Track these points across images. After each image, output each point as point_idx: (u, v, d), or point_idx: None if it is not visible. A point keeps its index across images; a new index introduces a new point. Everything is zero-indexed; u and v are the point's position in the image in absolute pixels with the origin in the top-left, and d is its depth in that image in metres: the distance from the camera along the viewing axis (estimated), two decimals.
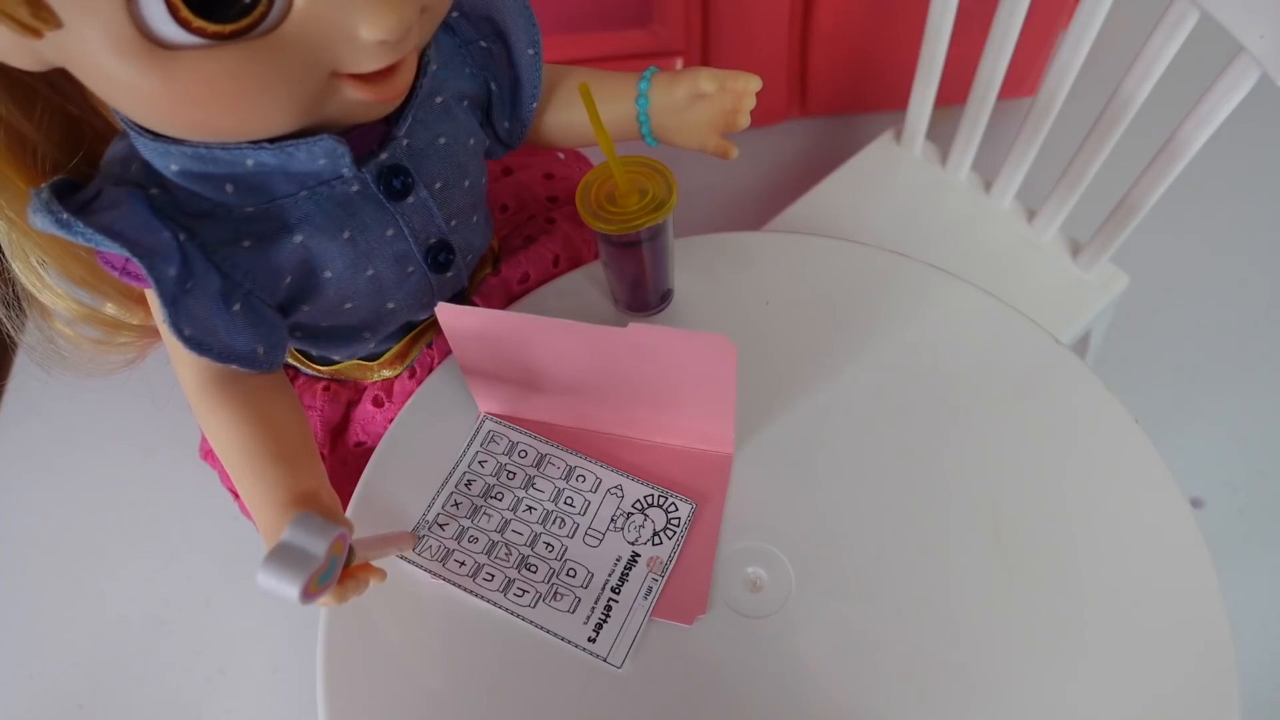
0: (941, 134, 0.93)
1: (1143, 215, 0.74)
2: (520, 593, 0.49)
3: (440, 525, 0.51)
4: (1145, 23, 0.66)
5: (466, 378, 0.53)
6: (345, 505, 0.53)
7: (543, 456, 0.53)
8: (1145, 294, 1.05)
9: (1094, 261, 0.82)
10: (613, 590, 0.49)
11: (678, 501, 0.51)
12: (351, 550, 0.40)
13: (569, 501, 0.52)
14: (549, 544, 0.50)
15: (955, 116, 0.86)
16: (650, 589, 0.49)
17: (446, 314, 0.46)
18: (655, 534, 0.50)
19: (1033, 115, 0.77)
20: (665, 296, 0.58)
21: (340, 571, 0.39)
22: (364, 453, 0.62)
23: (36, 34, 0.33)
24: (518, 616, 0.48)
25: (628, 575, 0.49)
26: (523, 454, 0.54)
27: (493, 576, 0.50)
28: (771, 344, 0.56)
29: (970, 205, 0.88)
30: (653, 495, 0.52)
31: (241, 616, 1.06)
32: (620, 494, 0.52)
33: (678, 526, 0.50)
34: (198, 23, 0.33)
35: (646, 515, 0.51)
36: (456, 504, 0.52)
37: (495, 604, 0.49)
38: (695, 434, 0.52)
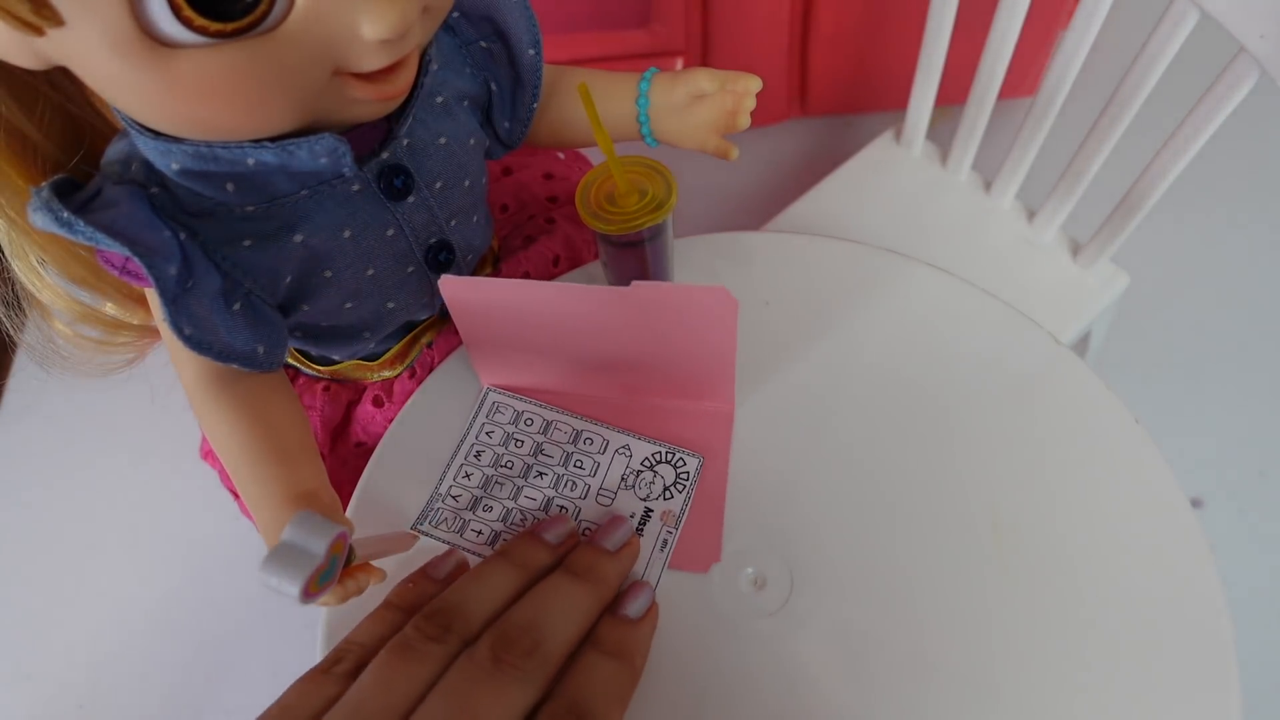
0: (941, 134, 0.93)
1: (1143, 215, 0.74)
2: None
3: (454, 497, 0.52)
4: (1145, 23, 0.66)
5: (469, 351, 0.53)
6: (345, 505, 0.53)
7: (549, 423, 0.54)
8: (1145, 294, 1.05)
9: (1094, 261, 0.82)
10: None
11: (685, 456, 0.52)
12: (351, 550, 0.40)
13: (579, 464, 0.52)
14: (562, 507, 0.51)
15: (955, 116, 0.87)
16: (665, 541, 0.49)
17: (450, 286, 0.47)
18: (666, 489, 0.51)
19: (1033, 115, 0.77)
20: None
21: (340, 571, 0.39)
22: (364, 453, 0.62)
23: (38, 31, 0.33)
24: None
25: (642, 530, 0.50)
26: (529, 422, 0.54)
27: None
28: (771, 344, 0.56)
29: (970, 205, 0.88)
30: (660, 452, 0.52)
31: (241, 616, 1.06)
32: (628, 453, 0.52)
33: (687, 480, 0.51)
34: (200, 21, 0.33)
35: (656, 472, 0.52)
36: (468, 475, 0.52)
37: None
38: (697, 391, 0.53)
